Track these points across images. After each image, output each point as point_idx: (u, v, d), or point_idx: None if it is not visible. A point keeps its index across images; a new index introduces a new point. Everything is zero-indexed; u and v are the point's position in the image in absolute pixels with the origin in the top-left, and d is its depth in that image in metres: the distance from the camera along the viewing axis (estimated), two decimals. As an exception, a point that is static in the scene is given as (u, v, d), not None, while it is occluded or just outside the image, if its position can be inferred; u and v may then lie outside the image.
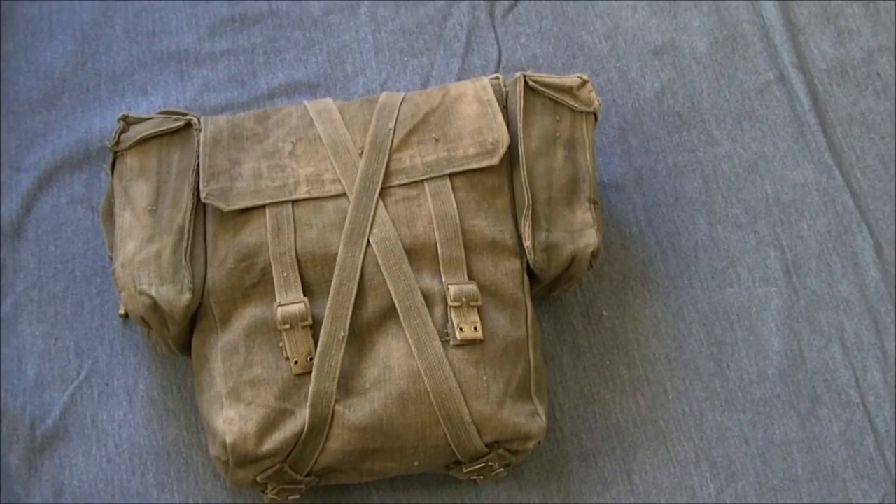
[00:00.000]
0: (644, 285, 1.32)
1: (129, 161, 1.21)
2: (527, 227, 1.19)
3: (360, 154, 1.20)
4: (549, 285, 1.25)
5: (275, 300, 1.14)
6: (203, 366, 1.16)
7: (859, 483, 1.23)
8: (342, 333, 1.12)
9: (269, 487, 1.13)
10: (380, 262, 1.15)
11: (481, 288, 1.16)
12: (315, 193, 1.18)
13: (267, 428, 1.09)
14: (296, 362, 1.12)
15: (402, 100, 1.25)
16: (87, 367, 1.27)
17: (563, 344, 1.30)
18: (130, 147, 1.21)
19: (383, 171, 1.19)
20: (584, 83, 1.26)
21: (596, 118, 1.27)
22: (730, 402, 1.26)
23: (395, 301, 1.14)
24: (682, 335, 1.30)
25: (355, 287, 1.14)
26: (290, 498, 1.15)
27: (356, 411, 1.10)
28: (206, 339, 1.16)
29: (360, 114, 1.24)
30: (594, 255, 1.21)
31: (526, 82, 1.23)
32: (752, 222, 1.36)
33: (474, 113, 1.23)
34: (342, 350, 1.12)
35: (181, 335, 1.18)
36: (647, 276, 1.33)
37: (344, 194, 1.18)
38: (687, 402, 1.26)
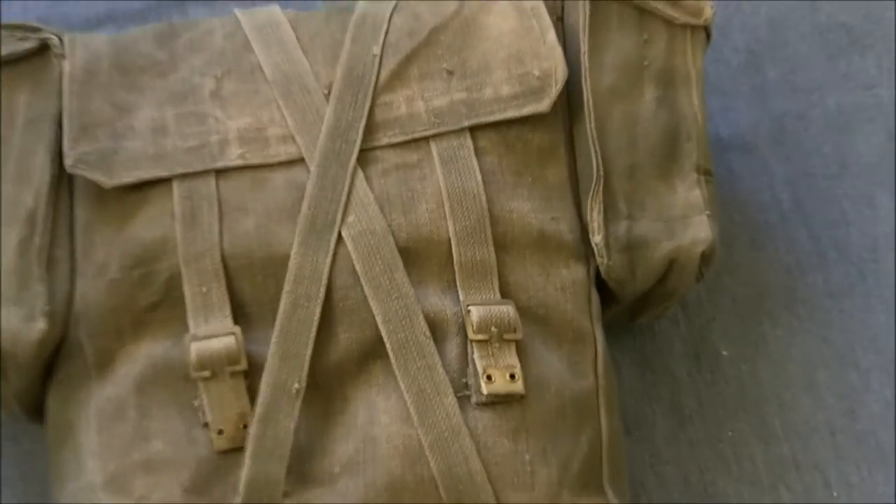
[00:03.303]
0: (789, 308, 1.11)
1: (-56, 107, 1.05)
2: (596, 214, 0.98)
3: (327, 96, 1.02)
4: (632, 306, 1.05)
5: (187, 331, 0.95)
6: (65, 438, 0.96)
7: None
8: (296, 385, 0.93)
9: None
10: (358, 269, 0.95)
11: (522, 311, 0.96)
12: (253, 159, 0.99)
13: (173, 543, 0.92)
14: (220, 432, 0.92)
15: (394, 8, 1.06)
16: None
17: (656, 402, 1.09)
18: (-55, 84, 1.05)
19: (363, 122, 1.00)
20: (690, -20, 1.08)
21: (709, 36, 1.05)
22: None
23: (383, 332, 0.94)
24: (856, 391, 1.07)
25: (318, 310, 0.95)
26: None
27: (319, 512, 0.93)
28: (71, 394, 0.97)
29: (327, 31, 1.05)
30: (706, 257, 1.00)
31: (596, -20, 1.05)
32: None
33: (510, 29, 1.03)
34: (296, 411, 0.92)
35: (29, 388, 0.98)
36: (793, 292, 1.11)
37: (301, 160, 0.99)
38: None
